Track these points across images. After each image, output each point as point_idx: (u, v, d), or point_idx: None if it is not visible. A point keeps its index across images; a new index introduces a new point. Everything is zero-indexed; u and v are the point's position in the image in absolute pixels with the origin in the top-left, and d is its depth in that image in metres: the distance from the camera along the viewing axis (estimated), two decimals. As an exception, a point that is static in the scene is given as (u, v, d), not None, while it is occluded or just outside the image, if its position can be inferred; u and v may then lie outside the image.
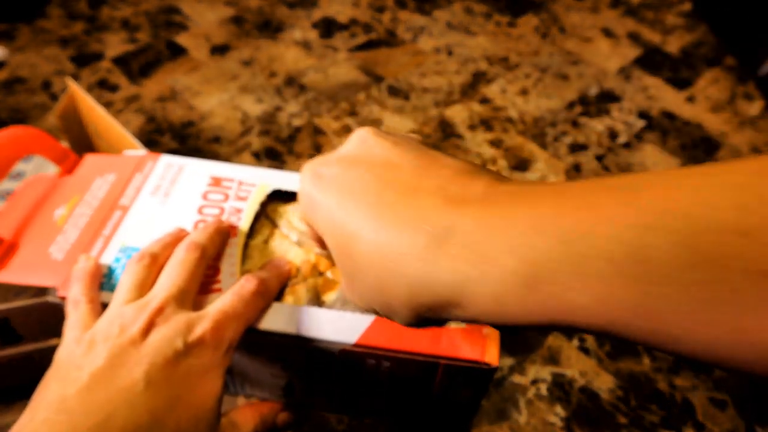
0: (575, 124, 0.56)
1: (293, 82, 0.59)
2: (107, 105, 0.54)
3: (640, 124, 0.56)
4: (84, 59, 0.60)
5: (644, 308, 0.12)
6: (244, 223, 0.29)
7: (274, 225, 0.31)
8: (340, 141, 0.52)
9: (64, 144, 0.45)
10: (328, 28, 0.67)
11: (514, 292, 0.14)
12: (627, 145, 0.54)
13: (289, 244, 0.30)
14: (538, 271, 0.13)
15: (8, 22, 0.64)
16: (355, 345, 0.25)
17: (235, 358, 0.29)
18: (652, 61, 0.65)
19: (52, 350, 0.31)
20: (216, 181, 0.31)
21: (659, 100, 0.59)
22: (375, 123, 0.54)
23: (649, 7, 0.74)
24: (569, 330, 0.14)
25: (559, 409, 0.35)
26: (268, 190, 0.31)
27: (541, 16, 0.71)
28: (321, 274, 0.29)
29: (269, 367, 0.29)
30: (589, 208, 0.13)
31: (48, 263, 0.27)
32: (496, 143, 0.53)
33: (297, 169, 0.49)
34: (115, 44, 0.62)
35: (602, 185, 0.14)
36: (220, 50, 0.62)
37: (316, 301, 0.28)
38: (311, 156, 0.51)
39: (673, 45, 0.67)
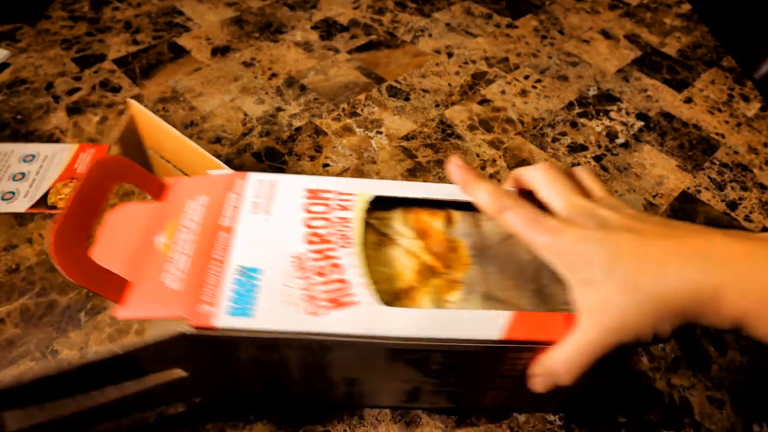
0: (574, 124, 0.56)
1: (294, 83, 0.59)
2: (109, 106, 0.55)
3: (639, 124, 0.57)
4: (86, 60, 0.60)
5: None
6: (356, 233, 0.29)
7: (378, 232, 0.31)
8: (340, 142, 0.53)
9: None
10: (328, 29, 0.67)
11: None
12: (625, 146, 0.54)
13: (399, 250, 0.30)
14: None
15: (11, 24, 0.65)
16: (501, 341, 0.25)
17: (360, 371, 0.29)
18: (650, 62, 0.65)
19: (171, 386, 0.29)
20: (313, 194, 0.31)
21: (658, 101, 0.60)
22: (375, 124, 0.55)
23: (648, 8, 0.75)
24: None
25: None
26: (369, 197, 0.31)
27: (540, 18, 0.72)
28: (438, 275, 0.29)
29: (403, 373, 0.29)
30: None
31: (167, 294, 0.26)
32: (495, 144, 0.53)
33: (297, 169, 0.50)
34: (117, 46, 0.63)
35: None
36: (221, 51, 0.63)
37: (440, 303, 0.28)
38: (312, 157, 0.51)
39: (672, 46, 0.68)
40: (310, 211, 0.30)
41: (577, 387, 0.29)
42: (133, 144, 0.41)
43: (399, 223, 0.31)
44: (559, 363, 0.25)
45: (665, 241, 0.23)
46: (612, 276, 0.23)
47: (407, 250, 0.30)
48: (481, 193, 0.27)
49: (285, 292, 0.26)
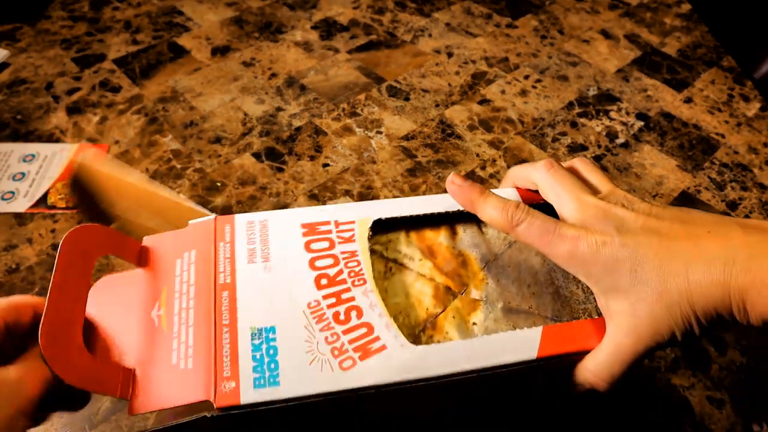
0: (574, 124, 0.56)
1: (294, 83, 0.59)
2: (109, 106, 0.55)
3: (639, 124, 0.57)
4: (86, 60, 0.60)
5: None
6: (366, 267, 0.27)
7: (385, 259, 0.29)
8: (340, 142, 0.53)
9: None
10: (328, 29, 0.67)
11: None
12: (625, 146, 0.54)
13: (411, 275, 0.29)
14: None
15: (10, 24, 0.65)
16: (537, 359, 0.25)
17: (394, 410, 0.28)
18: (650, 62, 0.65)
19: None
20: (311, 229, 0.28)
21: (658, 100, 0.60)
22: (375, 124, 0.55)
23: (648, 8, 0.75)
24: None
25: (558, 408, 0.35)
26: (369, 222, 0.29)
27: (540, 18, 0.72)
28: (455, 295, 0.28)
29: (438, 402, 0.29)
30: None
31: (179, 376, 0.24)
32: (495, 144, 0.53)
33: (297, 169, 0.50)
34: (116, 45, 0.63)
35: None
36: (221, 51, 0.63)
37: (466, 326, 0.27)
38: (311, 157, 0.51)
39: (672, 46, 0.68)
40: (312, 250, 0.27)
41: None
42: (88, 197, 0.37)
43: (403, 245, 0.30)
44: (594, 373, 0.25)
45: (686, 242, 0.23)
46: (638, 283, 0.23)
47: (419, 273, 0.29)
48: (489, 209, 0.27)
49: (309, 350, 0.24)
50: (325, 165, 0.50)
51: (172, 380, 0.23)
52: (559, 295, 0.29)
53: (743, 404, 0.36)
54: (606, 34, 0.69)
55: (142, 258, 0.28)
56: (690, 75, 0.64)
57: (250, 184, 0.48)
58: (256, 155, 0.51)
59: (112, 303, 0.26)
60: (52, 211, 0.45)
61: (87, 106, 0.55)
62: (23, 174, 0.47)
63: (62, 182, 0.47)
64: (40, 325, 0.21)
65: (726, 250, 0.23)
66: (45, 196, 0.45)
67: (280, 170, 0.50)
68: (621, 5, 0.75)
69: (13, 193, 0.46)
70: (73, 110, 0.54)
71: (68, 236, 0.24)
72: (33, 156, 0.49)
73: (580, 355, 0.26)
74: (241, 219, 0.28)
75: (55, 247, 0.42)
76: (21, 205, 0.45)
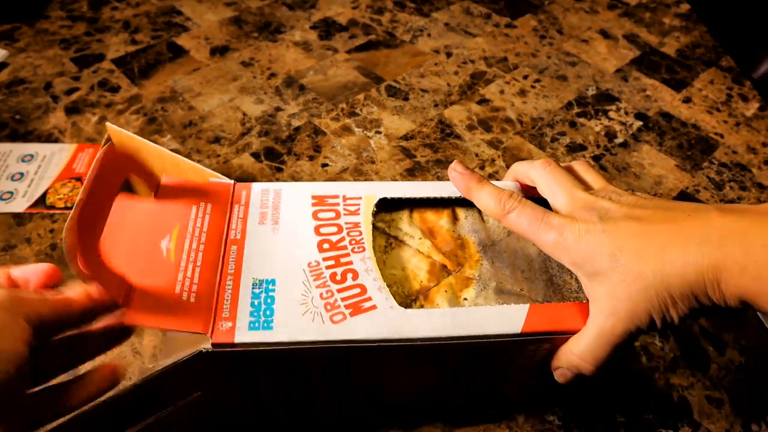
0: (573, 124, 0.56)
1: (293, 83, 0.59)
2: (108, 106, 0.55)
3: (638, 124, 0.57)
4: (85, 60, 0.60)
5: None
6: (367, 238, 0.29)
7: (386, 235, 0.31)
8: (339, 141, 0.52)
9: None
10: (327, 29, 0.67)
11: None
12: (624, 146, 0.54)
13: (409, 251, 0.31)
14: None
15: (9, 23, 0.65)
16: (521, 333, 0.26)
17: (381, 376, 0.29)
18: (649, 62, 0.65)
19: (186, 408, 0.28)
20: (320, 200, 0.31)
21: (656, 100, 0.60)
22: (374, 123, 0.55)
23: (647, 8, 0.75)
24: None
25: (557, 408, 0.36)
26: (375, 200, 0.31)
27: (539, 18, 0.72)
28: (450, 273, 0.29)
29: (424, 373, 0.29)
30: None
31: (180, 305, 0.25)
32: (494, 144, 0.53)
33: (296, 169, 0.50)
34: (115, 45, 0.63)
35: None
36: (220, 51, 0.63)
37: (456, 300, 0.28)
38: (310, 157, 0.51)
39: (671, 46, 0.68)
40: (319, 218, 0.30)
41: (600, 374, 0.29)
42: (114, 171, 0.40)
43: (405, 224, 0.31)
44: (578, 355, 0.26)
45: (665, 225, 0.24)
46: (617, 266, 0.24)
47: (417, 250, 0.30)
48: (484, 197, 0.28)
49: (303, 302, 0.26)
50: (324, 165, 0.50)
51: (173, 308, 0.25)
52: (552, 283, 0.29)
53: (742, 404, 0.36)
54: (605, 34, 0.69)
55: (159, 192, 0.30)
56: (689, 75, 0.64)
57: (249, 184, 0.48)
58: (255, 155, 0.51)
59: (125, 224, 0.28)
60: (51, 211, 0.44)
61: (86, 106, 0.55)
62: (22, 174, 0.47)
63: (61, 182, 0.47)
64: (69, 219, 0.22)
65: (702, 231, 0.23)
66: (44, 196, 0.45)
67: (279, 170, 0.50)
68: (620, 5, 0.75)
69: (11, 193, 0.46)
70: (72, 110, 0.54)
71: (105, 155, 0.26)
72: (32, 156, 0.49)
73: (565, 335, 0.26)
74: (257, 186, 0.31)
75: (53, 247, 0.42)
76: (20, 205, 0.45)
